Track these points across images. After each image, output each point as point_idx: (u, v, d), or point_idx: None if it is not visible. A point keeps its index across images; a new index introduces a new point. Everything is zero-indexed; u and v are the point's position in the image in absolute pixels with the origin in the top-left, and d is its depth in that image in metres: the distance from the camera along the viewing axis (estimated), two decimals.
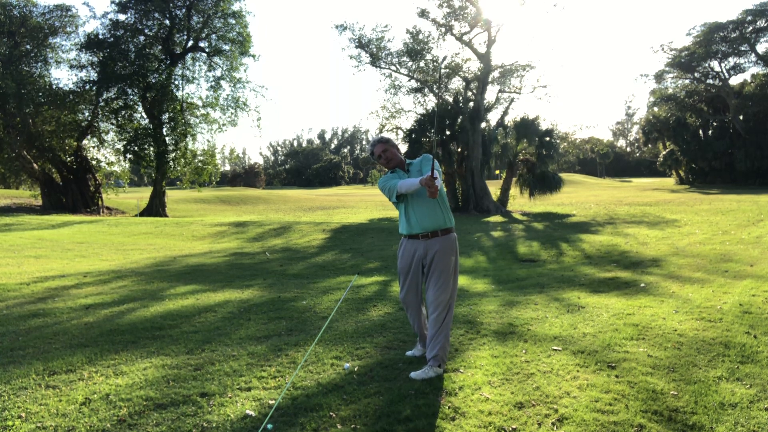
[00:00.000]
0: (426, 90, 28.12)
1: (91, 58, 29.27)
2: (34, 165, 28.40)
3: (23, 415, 3.18)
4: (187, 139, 30.53)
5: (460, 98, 27.08)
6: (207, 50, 31.32)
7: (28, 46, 29.49)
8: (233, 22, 30.78)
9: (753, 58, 42.77)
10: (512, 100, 27.56)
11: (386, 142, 3.95)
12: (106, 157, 32.49)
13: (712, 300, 6.14)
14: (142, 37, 30.11)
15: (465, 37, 26.10)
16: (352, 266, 10.57)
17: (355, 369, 3.91)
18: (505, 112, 27.40)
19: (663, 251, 11.53)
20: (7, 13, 28.04)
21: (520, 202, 28.32)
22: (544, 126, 26.06)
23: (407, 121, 46.53)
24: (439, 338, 3.77)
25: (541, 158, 25.71)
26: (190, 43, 30.92)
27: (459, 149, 26.77)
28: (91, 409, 3.25)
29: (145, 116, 30.14)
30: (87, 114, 30.18)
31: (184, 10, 30.21)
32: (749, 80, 44.33)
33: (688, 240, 13.16)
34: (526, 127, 25.73)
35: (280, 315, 5.74)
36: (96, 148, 31.79)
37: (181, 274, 9.21)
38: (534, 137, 25.73)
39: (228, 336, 4.91)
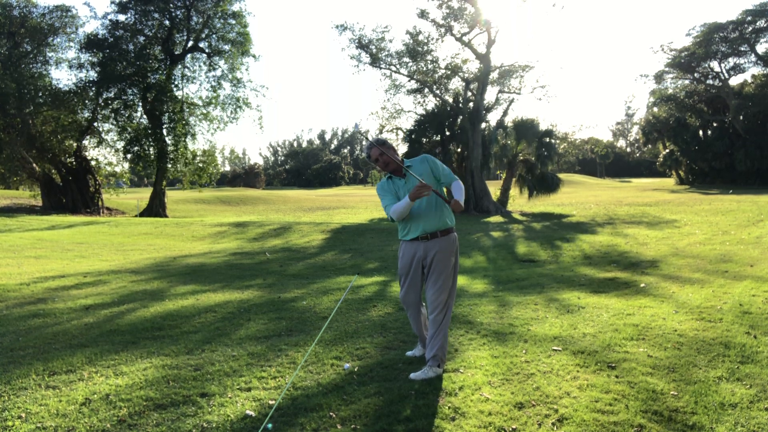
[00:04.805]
0: (426, 90, 28.15)
1: (91, 58, 29.30)
2: (34, 165, 28.40)
3: (23, 415, 3.18)
4: (187, 139, 30.56)
5: (460, 98, 27.09)
6: (207, 50, 31.35)
7: (27, 47, 29.51)
8: (233, 22, 30.82)
9: (753, 58, 42.78)
10: (512, 101, 27.59)
11: (382, 145, 3.89)
12: (105, 158, 32.59)
13: (712, 300, 6.14)
14: (141, 38, 30.12)
15: (464, 38, 26.11)
16: (351, 266, 10.57)
17: (355, 369, 3.91)
18: (505, 113, 27.43)
19: (663, 251, 11.53)
20: (7, 13, 28.04)
21: (519, 202, 28.33)
22: (543, 127, 26.10)
23: (407, 122, 46.55)
24: (437, 338, 3.77)
25: (541, 159, 25.73)
26: (190, 43, 30.95)
27: (459, 149, 26.78)
28: (91, 409, 3.25)
29: (145, 116, 30.17)
30: (87, 114, 30.21)
31: (183, 11, 30.23)
32: (749, 80, 44.34)
33: (687, 240, 13.16)
34: (526, 128, 25.75)
35: (280, 315, 5.74)
36: (96, 149, 31.87)
37: (181, 274, 9.20)
38: (533, 138, 25.76)
39: (228, 336, 4.91)
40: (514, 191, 27.63)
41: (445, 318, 3.79)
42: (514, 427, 3.01)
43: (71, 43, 30.20)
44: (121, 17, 29.52)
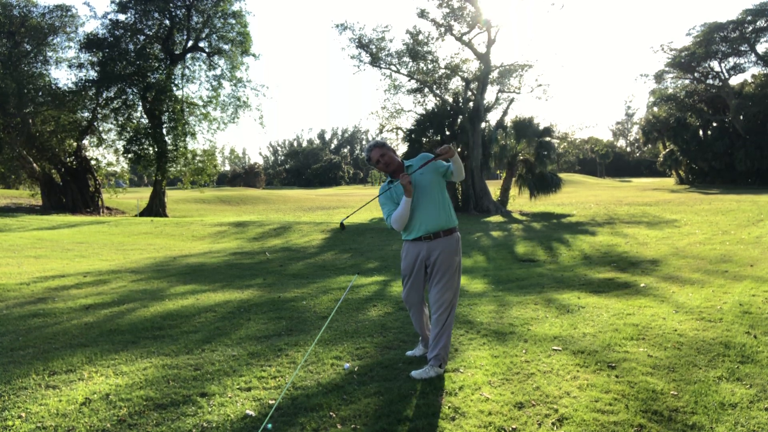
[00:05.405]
0: (426, 90, 28.15)
1: (90, 57, 29.29)
2: (34, 165, 28.40)
3: (23, 415, 3.18)
4: (187, 139, 30.57)
5: (460, 98, 27.09)
6: (207, 50, 31.36)
7: (27, 46, 29.49)
8: (233, 21, 30.83)
9: (753, 58, 42.77)
10: (512, 100, 27.60)
11: (383, 146, 3.91)
12: (105, 157, 32.59)
13: (712, 300, 6.14)
14: (142, 37, 30.12)
15: (465, 38, 26.11)
16: (351, 266, 10.57)
17: (355, 369, 3.91)
18: (505, 112, 27.43)
19: (663, 251, 11.53)
20: (7, 13, 28.03)
21: (519, 202, 28.33)
22: (543, 126, 26.08)
23: (407, 122, 46.63)
24: (441, 338, 3.77)
25: (540, 158, 25.71)
26: (190, 43, 30.94)
27: (459, 149, 26.76)
28: (91, 409, 3.25)
29: (145, 116, 30.17)
30: (87, 114, 30.20)
31: (184, 10, 30.23)
32: (749, 80, 44.33)
33: (687, 240, 13.16)
34: (524, 127, 25.75)
35: (280, 315, 5.74)
36: (96, 148, 31.89)
37: (181, 274, 9.20)
38: (532, 137, 25.75)
39: (228, 336, 4.91)
40: (514, 191, 27.63)
41: (449, 318, 3.79)
42: (514, 426, 3.01)
43: (71, 43, 30.20)
44: (121, 17, 29.55)
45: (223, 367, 3.98)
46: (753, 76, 44.15)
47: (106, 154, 37.11)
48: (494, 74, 27.05)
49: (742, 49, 42.32)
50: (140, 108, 30.15)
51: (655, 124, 48.12)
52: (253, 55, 31.69)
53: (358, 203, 37.03)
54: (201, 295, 6.96)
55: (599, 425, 3.01)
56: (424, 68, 27.40)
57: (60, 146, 29.12)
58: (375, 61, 27.17)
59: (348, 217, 4.38)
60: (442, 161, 3.93)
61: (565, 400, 3.33)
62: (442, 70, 27.67)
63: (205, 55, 31.46)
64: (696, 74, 45.59)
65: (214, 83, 31.50)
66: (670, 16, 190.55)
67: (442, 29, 26.13)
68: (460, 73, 27.64)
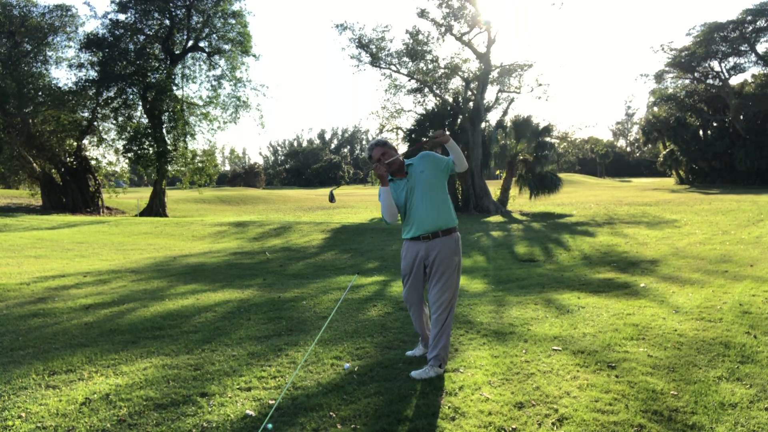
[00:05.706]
0: (426, 90, 28.16)
1: (90, 57, 29.30)
2: (34, 165, 28.41)
3: (23, 415, 3.18)
4: (187, 139, 30.58)
5: (460, 98, 27.09)
6: (207, 50, 31.37)
7: (28, 46, 29.50)
8: (233, 21, 30.84)
9: (753, 58, 42.77)
10: (512, 100, 27.63)
11: (384, 145, 3.92)
12: (105, 157, 32.58)
13: (712, 300, 6.14)
14: (142, 37, 30.13)
15: (465, 37, 26.12)
16: (351, 266, 10.57)
17: (355, 369, 3.91)
18: (505, 112, 27.45)
19: (663, 251, 11.52)
20: (7, 13, 28.03)
21: (520, 202, 28.32)
22: (542, 125, 26.07)
23: (407, 122, 46.64)
24: (441, 338, 3.77)
25: (540, 158, 25.71)
26: (190, 42, 30.96)
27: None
28: (91, 409, 3.25)
29: (145, 116, 30.17)
30: (87, 114, 30.21)
31: (184, 10, 30.24)
32: (749, 80, 44.33)
33: (687, 240, 13.16)
34: (524, 127, 25.75)
35: (280, 315, 5.74)
36: (96, 148, 31.89)
37: (181, 273, 9.20)
38: (532, 136, 25.74)
39: (228, 336, 4.91)
40: (514, 191, 27.62)
41: (448, 318, 3.80)
42: (514, 426, 3.01)
43: (71, 43, 30.21)
44: (121, 16, 29.57)
45: (223, 367, 3.98)
46: (753, 76, 44.18)
47: (106, 153, 37.19)
48: (494, 74, 27.05)
49: (742, 49, 42.33)
50: (140, 108, 30.15)
51: (655, 124, 48.12)
52: (254, 56, 31.71)
53: (359, 203, 37.03)
54: (201, 295, 6.96)
55: (599, 425, 3.01)
56: (424, 68, 27.41)
57: (60, 146, 29.11)
58: (375, 61, 27.17)
59: (338, 187, 4.41)
60: (441, 156, 3.93)
61: (565, 400, 3.33)
62: (442, 70, 27.67)
63: (205, 55, 31.47)
64: (696, 74, 45.58)
65: (214, 83, 31.55)
66: (670, 16, 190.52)
67: (442, 29, 26.15)
68: (460, 73, 27.64)
